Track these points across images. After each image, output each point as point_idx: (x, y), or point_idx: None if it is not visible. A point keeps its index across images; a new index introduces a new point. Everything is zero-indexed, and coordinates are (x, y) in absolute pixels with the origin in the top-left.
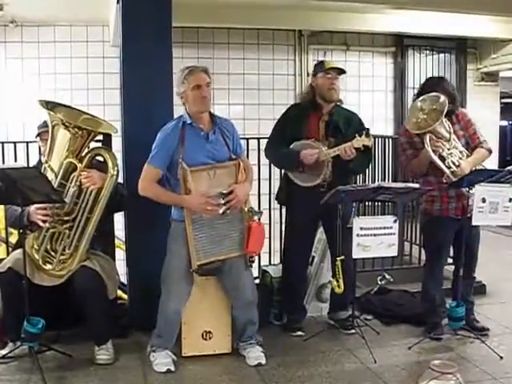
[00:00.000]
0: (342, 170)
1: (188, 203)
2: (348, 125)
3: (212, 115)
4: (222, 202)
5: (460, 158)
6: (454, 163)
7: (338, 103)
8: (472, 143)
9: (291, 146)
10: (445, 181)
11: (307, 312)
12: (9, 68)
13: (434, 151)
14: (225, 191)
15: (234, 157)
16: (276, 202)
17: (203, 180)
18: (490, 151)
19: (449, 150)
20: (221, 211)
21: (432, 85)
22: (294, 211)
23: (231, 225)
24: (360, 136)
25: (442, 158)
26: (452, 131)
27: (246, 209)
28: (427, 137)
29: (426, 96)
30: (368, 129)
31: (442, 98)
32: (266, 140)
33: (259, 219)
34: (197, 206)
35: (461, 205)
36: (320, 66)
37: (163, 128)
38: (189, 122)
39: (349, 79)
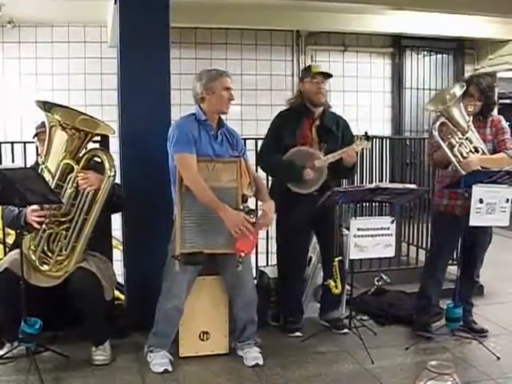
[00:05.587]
0: (334, 173)
1: (226, 215)
2: (337, 128)
3: (219, 118)
4: (253, 220)
5: (472, 152)
6: (461, 153)
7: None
8: (498, 148)
9: (287, 154)
10: (450, 170)
11: (304, 313)
12: (6, 68)
13: (443, 139)
14: (251, 217)
15: (236, 154)
16: None
17: (201, 172)
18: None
19: (460, 139)
20: (251, 237)
21: (466, 81)
22: (288, 214)
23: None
24: (360, 139)
25: (451, 146)
26: (471, 124)
27: (240, 206)
28: (440, 119)
29: (459, 84)
30: (366, 132)
31: (460, 85)
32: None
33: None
34: (232, 223)
35: (467, 204)
36: (307, 70)
37: (179, 122)
38: (203, 118)
39: (346, 80)
